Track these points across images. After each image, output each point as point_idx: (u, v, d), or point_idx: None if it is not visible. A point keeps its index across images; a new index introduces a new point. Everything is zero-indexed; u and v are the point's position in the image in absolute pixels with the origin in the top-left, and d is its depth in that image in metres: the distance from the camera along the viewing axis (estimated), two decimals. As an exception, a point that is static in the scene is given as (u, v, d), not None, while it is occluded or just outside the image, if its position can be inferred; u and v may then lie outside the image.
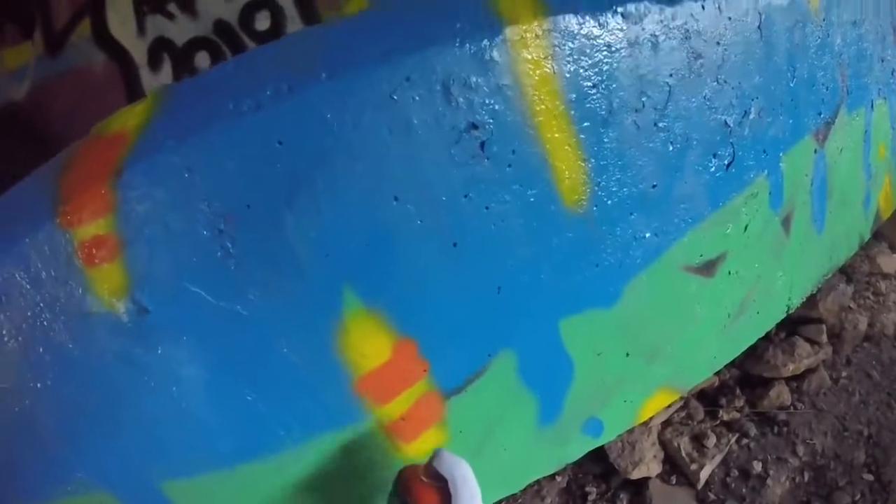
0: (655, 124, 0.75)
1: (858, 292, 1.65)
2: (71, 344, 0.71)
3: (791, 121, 0.97)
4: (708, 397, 1.46)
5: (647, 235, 0.79)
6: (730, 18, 0.82)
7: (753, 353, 1.48)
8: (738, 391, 1.45)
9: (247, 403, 0.73)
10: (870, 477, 1.39)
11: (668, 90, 0.74)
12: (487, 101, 0.65)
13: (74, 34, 1.36)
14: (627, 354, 0.87)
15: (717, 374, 1.47)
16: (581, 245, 0.75)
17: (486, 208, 0.70)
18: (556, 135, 0.68)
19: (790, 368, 1.43)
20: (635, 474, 1.36)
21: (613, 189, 0.74)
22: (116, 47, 1.31)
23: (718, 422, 1.42)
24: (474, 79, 0.63)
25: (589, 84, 0.69)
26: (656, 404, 0.99)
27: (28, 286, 0.69)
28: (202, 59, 1.25)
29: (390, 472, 0.71)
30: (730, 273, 0.93)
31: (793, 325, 1.53)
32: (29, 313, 0.69)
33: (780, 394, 1.44)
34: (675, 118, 0.77)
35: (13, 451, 0.76)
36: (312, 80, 0.60)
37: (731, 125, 0.84)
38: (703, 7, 0.78)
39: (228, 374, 0.71)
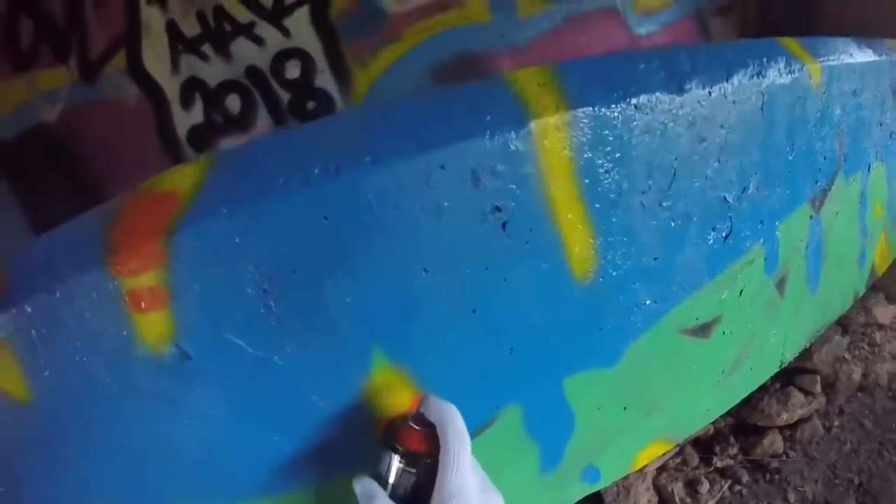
0: (660, 204, 0.85)
1: (854, 343, 1.76)
2: (110, 380, 0.80)
3: (788, 191, 1.07)
4: (703, 444, 1.55)
5: (648, 303, 0.89)
6: (734, 102, 0.93)
7: (748, 402, 1.58)
8: (732, 439, 1.55)
9: (273, 444, 0.82)
10: None
11: (673, 172, 0.84)
12: (510, 187, 0.74)
13: (109, 65, 1.47)
14: (625, 408, 0.96)
15: (713, 422, 1.56)
16: (586, 312, 0.85)
17: (504, 280, 0.80)
18: (570, 216, 0.78)
19: (784, 418, 1.52)
20: None
21: (619, 262, 0.84)
22: (150, 82, 1.42)
23: (712, 468, 1.51)
24: (500, 167, 0.73)
25: (602, 170, 0.79)
26: (651, 453, 1.07)
27: (73, 324, 0.78)
28: (233, 101, 1.36)
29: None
30: (724, 334, 1.03)
31: (788, 376, 1.63)
32: (70, 350, 0.79)
33: (773, 442, 1.53)
34: (678, 198, 0.86)
35: (41, 475, 0.85)
36: (358, 162, 0.70)
37: (731, 201, 0.94)
38: (709, 94, 0.89)
39: (260, 417, 0.80)
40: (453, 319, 0.79)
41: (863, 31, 1.81)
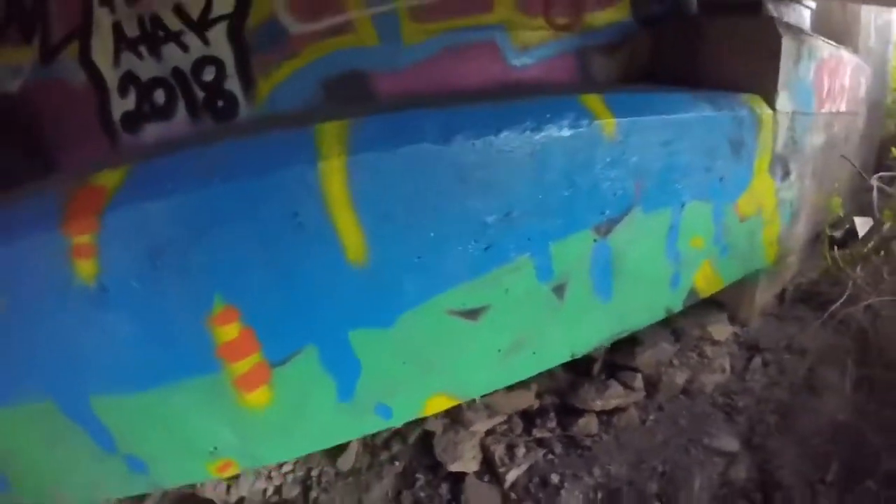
0: (422, 222, 1.34)
1: (683, 352, 2.22)
2: (55, 300, 1.32)
3: (563, 219, 1.54)
4: (528, 416, 2.05)
5: (414, 287, 1.40)
6: (500, 151, 1.38)
7: (573, 386, 2.06)
8: (552, 415, 2.03)
9: (151, 355, 1.34)
10: None
11: (435, 203, 1.32)
12: (309, 203, 1.26)
13: (65, 52, 1.94)
14: (404, 363, 1.48)
15: (539, 398, 2.05)
16: (363, 286, 1.37)
17: (304, 257, 1.31)
18: (346, 223, 1.30)
19: (598, 404, 2.01)
20: (454, 467, 1.96)
21: (386, 257, 1.36)
22: (96, 71, 1.90)
23: (532, 438, 2.01)
24: (299, 189, 1.25)
25: (371, 198, 1.29)
26: (437, 404, 1.58)
27: (38, 262, 1.29)
28: (159, 94, 1.83)
29: (235, 406, 1.35)
30: (493, 321, 1.52)
31: (613, 370, 2.11)
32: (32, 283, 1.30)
33: (588, 423, 2.02)
34: (440, 219, 1.37)
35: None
36: (210, 181, 1.24)
37: (491, 223, 1.41)
38: (473, 145, 1.34)
39: (146, 334, 1.32)
40: (271, 282, 1.35)
41: (732, 76, 2.21)
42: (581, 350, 1.77)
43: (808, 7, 2.64)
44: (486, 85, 1.93)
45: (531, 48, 1.98)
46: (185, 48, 1.78)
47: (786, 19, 2.44)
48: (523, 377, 1.70)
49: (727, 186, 2.03)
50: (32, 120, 2.01)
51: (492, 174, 1.41)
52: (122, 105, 1.88)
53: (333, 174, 1.27)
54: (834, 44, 2.67)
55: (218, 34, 1.79)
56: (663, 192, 1.78)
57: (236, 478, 1.79)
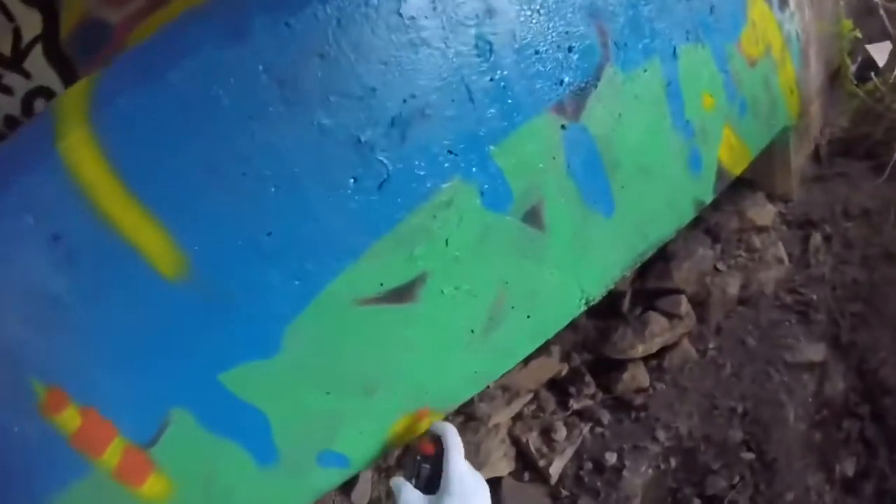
0: (241, 173, 0.58)
1: (727, 252, 1.36)
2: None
3: (499, 106, 0.75)
4: (558, 386, 1.25)
5: (285, 284, 0.63)
6: (337, 22, 0.62)
7: (604, 333, 1.27)
8: (588, 377, 1.24)
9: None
10: (749, 456, 1.15)
11: (262, 142, 0.57)
12: (67, 213, 0.56)
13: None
14: (329, 393, 0.72)
15: (567, 360, 1.27)
16: (201, 309, 0.62)
17: (106, 299, 0.60)
18: (129, 219, 0.56)
19: (639, 349, 1.20)
20: (484, 475, 1.21)
21: (212, 253, 0.60)
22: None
23: (570, 411, 1.22)
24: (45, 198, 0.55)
25: (138, 163, 0.55)
26: (412, 428, 0.84)
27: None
28: None
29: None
30: (443, 292, 0.73)
31: (647, 299, 1.30)
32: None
33: (635, 376, 1.21)
34: (277, 161, 0.59)
35: None
36: None
37: (371, 139, 0.64)
38: (286, 24, 0.59)
39: None
40: (76, 343, 0.63)
41: None
42: (596, 291, 0.92)
43: None
44: None
45: None
46: (8, 91, 1.16)
47: None
48: (524, 353, 0.89)
49: (722, 20, 1.14)
50: None
51: (337, 60, 0.62)
52: None
53: (79, 152, 0.56)
54: None
55: (36, 61, 1.15)
56: (641, 37, 0.90)
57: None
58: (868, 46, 1.87)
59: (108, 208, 0.59)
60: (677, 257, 1.23)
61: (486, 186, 0.75)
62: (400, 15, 0.66)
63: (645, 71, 0.94)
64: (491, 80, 0.73)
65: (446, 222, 0.71)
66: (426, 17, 0.67)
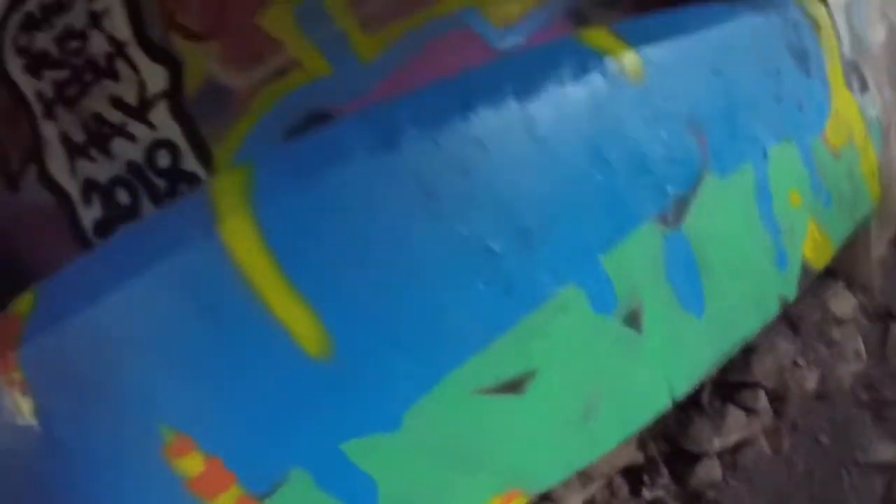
0: (387, 272, 0.68)
1: (808, 344, 1.37)
2: None
3: (607, 218, 0.84)
4: (633, 474, 1.27)
5: (414, 371, 0.72)
6: (478, 139, 0.71)
7: (683, 423, 1.29)
8: (663, 467, 1.26)
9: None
10: None
11: (398, 238, 0.67)
12: (222, 287, 0.66)
13: (26, 175, 1.51)
14: (437, 469, 0.79)
15: (644, 449, 1.29)
16: (337, 386, 0.71)
17: (250, 367, 0.70)
18: (281, 300, 0.66)
19: (716, 444, 1.22)
20: None
21: (356, 336, 0.69)
22: (57, 187, 1.45)
23: (642, 500, 1.25)
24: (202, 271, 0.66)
25: (304, 255, 0.65)
26: None
27: None
28: (122, 194, 1.35)
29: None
30: (548, 386, 0.80)
31: (727, 391, 1.32)
32: None
33: (710, 469, 1.22)
34: (411, 263, 0.70)
35: None
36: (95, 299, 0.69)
37: (500, 249, 0.73)
38: (434, 140, 0.70)
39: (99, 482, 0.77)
40: (216, 400, 0.74)
41: None
42: (683, 388, 0.97)
43: None
44: None
45: (515, 24, 1.33)
46: (132, 139, 1.31)
47: None
48: (612, 445, 0.93)
49: (808, 114, 1.23)
50: (10, 253, 1.60)
51: (476, 175, 0.73)
52: (90, 213, 1.42)
53: (240, 236, 0.67)
54: None
55: (160, 115, 1.31)
56: (736, 140, 0.99)
57: None
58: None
59: (263, 288, 0.69)
60: (758, 351, 1.25)
61: (596, 291, 0.82)
62: (534, 137, 0.75)
63: (738, 175, 1.01)
64: (606, 193, 0.81)
65: (559, 323, 0.78)
66: (556, 138, 0.76)
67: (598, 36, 0.86)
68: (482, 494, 0.86)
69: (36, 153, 1.43)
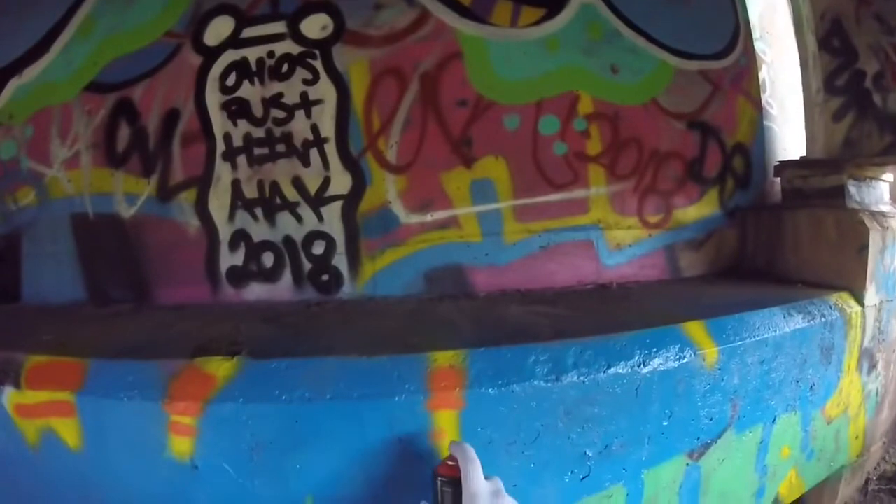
0: (522, 452, 1.40)
1: None
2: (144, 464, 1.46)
3: (658, 448, 1.57)
4: None
5: None
6: (606, 386, 1.49)
7: None
8: None
9: None
10: None
11: (538, 434, 1.41)
12: (413, 431, 1.38)
13: (182, 195, 2.18)
14: None
15: None
16: None
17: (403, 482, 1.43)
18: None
19: None
20: None
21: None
22: (210, 221, 2.12)
23: None
24: (407, 419, 1.37)
25: (479, 427, 1.38)
26: None
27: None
28: (267, 257, 2.04)
29: None
30: None
31: None
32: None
33: None
34: (540, 449, 1.39)
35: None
36: (321, 398, 1.36)
37: (591, 455, 1.47)
38: (583, 382, 1.47)
39: None
40: (365, 496, 1.40)
41: (818, 269, 2.32)
42: None
43: (886, 181, 2.63)
44: (578, 282, 2.06)
45: (624, 247, 2.10)
46: (299, 219, 1.98)
47: (867, 200, 2.49)
48: None
49: (817, 394, 1.95)
50: (137, 249, 2.24)
51: (596, 408, 1.44)
52: (230, 259, 2.08)
53: (445, 406, 1.36)
54: None
55: (332, 212, 1.99)
56: (756, 410, 1.73)
57: None
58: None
59: (439, 437, 1.40)
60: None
61: (633, 491, 1.59)
62: (637, 392, 1.53)
63: (750, 433, 1.82)
64: (664, 434, 1.60)
65: None
66: (647, 395, 1.55)
67: (695, 329, 1.65)
68: None
69: (202, 183, 2.10)
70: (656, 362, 1.55)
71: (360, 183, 2.01)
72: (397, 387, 1.39)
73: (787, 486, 2.03)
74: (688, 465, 1.66)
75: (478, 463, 1.12)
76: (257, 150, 2.04)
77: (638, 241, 2.12)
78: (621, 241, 2.11)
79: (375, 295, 1.96)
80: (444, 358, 1.42)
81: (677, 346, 1.60)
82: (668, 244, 2.17)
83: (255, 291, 2.03)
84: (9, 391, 1.48)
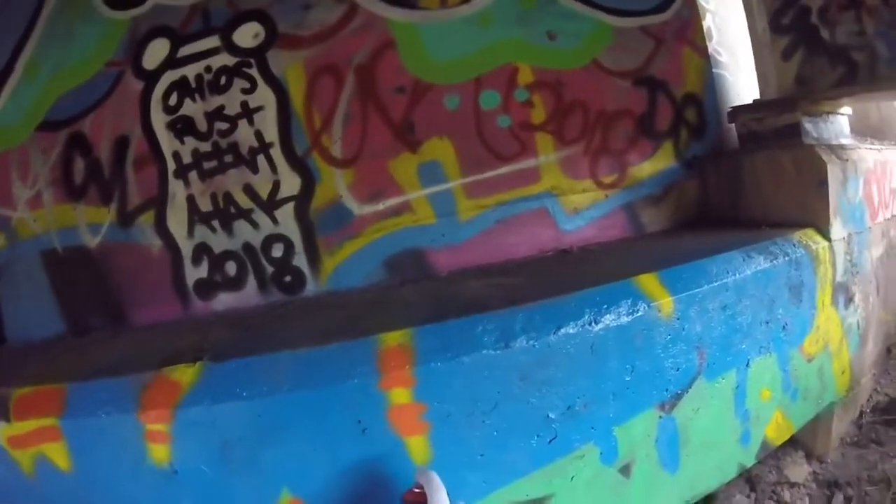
0: (483, 421, 1.37)
1: (760, 501, 2.19)
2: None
3: (625, 404, 1.53)
4: None
5: (477, 483, 1.40)
6: (558, 348, 1.43)
7: None
8: None
9: None
10: None
11: (496, 402, 1.39)
12: (371, 411, 1.37)
13: (142, 217, 2.19)
14: None
15: None
16: None
17: (368, 464, 1.43)
18: (408, 428, 1.38)
19: (672, 564, 2.00)
20: None
21: (449, 456, 1.38)
22: (171, 239, 2.13)
23: None
24: (364, 402, 1.37)
25: (435, 401, 1.36)
26: None
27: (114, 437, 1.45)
28: (230, 266, 2.04)
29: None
30: None
31: None
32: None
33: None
34: (501, 416, 1.37)
35: None
36: (279, 389, 1.35)
37: (554, 417, 1.46)
38: (534, 346, 1.45)
39: None
40: (335, 479, 1.40)
41: (781, 210, 2.26)
42: None
43: (844, 115, 2.62)
44: (539, 251, 2.03)
45: (581, 210, 2.09)
46: (255, 225, 1.99)
47: (825, 136, 2.46)
48: None
49: (791, 332, 1.90)
50: (107, 277, 2.25)
51: (552, 371, 1.41)
52: (195, 273, 2.09)
53: (397, 384, 1.34)
54: (876, 146, 2.62)
55: (285, 214, 2.00)
56: (726, 356, 1.69)
57: None
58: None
59: (397, 416, 1.38)
60: (718, 499, 2.05)
61: (606, 449, 1.56)
62: (593, 350, 1.51)
63: (723, 379, 1.79)
64: (629, 388, 1.57)
65: (577, 467, 1.51)
66: (605, 351, 1.52)
67: (648, 282, 1.62)
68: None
69: (158, 203, 2.11)
70: (608, 319, 1.52)
71: (309, 182, 2.01)
72: (350, 371, 1.38)
73: (775, 428, 2.00)
74: (661, 417, 1.64)
75: (443, 490, 1.14)
76: (206, 164, 2.05)
77: (595, 203, 2.10)
78: (578, 205, 2.10)
79: (339, 288, 1.96)
80: (392, 338, 1.41)
81: (629, 301, 1.57)
82: (626, 203, 2.15)
83: (223, 301, 2.04)
84: (1, 426, 1.53)
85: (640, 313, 1.56)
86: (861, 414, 2.57)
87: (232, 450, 1.41)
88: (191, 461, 1.44)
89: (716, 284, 1.72)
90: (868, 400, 2.60)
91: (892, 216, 2.69)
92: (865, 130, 2.93)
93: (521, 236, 1.98)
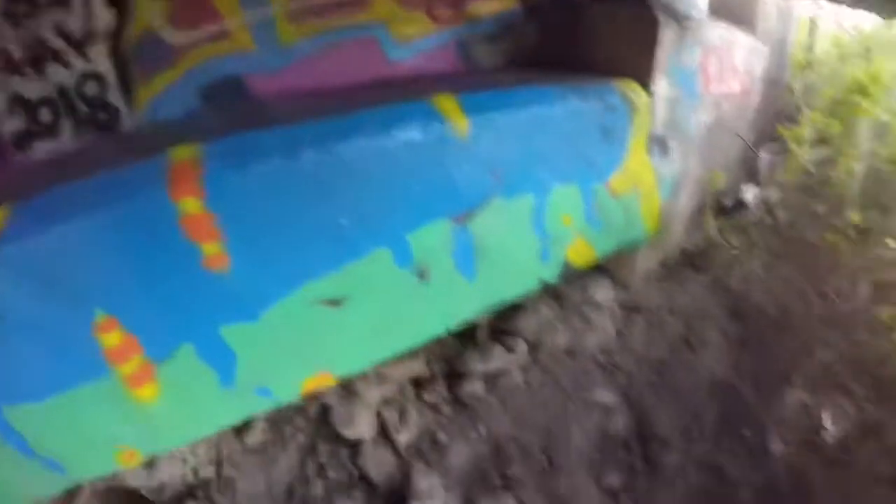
0: (278, 232, 1.48)
1: (566, 316, 2.53)
2: None
3: (417, 213, 1.65)
4: (419, 383, 2.21)
5: (275, 286, 1.52)
6: (346, 160, 1.50)
7: (460, 352, 2.37)
8: (441, 380, 2.30)
9: (51, 366, 1.48)
10: (542, 457, 2.32)
11: (287, 210, 1.50)
12: (167, 225, 1.43)
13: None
14: (277, 350, 1.60)
15: (429, 366, 2.34)
16: (226, 290, 1.49)
17: (170, 269, 1.47)
18: (205, 237, 1.43)
19: (482, 368, 2.31)
20: (351, 434, 2.12)
21: (245, 264, 1.46)
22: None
23: (423, 402, 2.31)
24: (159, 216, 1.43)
25: (227, 212, 1.44)
26: (316, 383, 1.73)
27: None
28: (45, 113, 1.97)
29: (128, 402, 1.54)
30: (357, 306, 1.65)
31: (497, 333, 2.42)
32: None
33: (474, 387, 2.31)
34: (295, 226, 1.49)
35: None
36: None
37: (346, 224, 1.53)
38: (320, 157, 1.51)
39: (44, 349, 1.44)
40: (143, 293, 1.45)
41: (612, 62, 2.42)
42: (453, 324, 1.91)
43: None
44: (365, 80, 2.03)
45: (412, 41, 2.15)
46: (67, 66, 1.90)
47: (675, 5, 2.48)
48: (398, 351, 1.84)
49: (596, 168, 2.13)
50: None
51: (343, 181, 1.50)
52: (11, 125, 1.98)
53: (187, 197, 1.37)
54: (728, 28, 2.77)
55: (99, 50, 1.91)
56: (525, 180, 1.88)
57: (153, 464, 1.95)
58: (742, 187, 3.18)
59: (193, 229, 1.46)
60: (526, 311, 2.34)
61: (399, 253, 1.73)
62: (384, 162, 1.64)
63: (521, 200, 2.00)
64: (420, 199, 1.72)
65: (370, 269, 1.68)
66: (398, 166, 1.66)
67: (446, 102, 1.70)
68: (300, 373, 1.71)
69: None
70: (400, 134, 1.61)
71: (123, 13, 1.92)
72: (143, 185, 1.42)
73: (575, 251, 2.26)
74: (454, 228, 1.81)
75: None
76: (18, 9, 1.89)
77: (427, 35, 2.15)
78: (409, 36, 2.14)
79: (156, 120, 1.95)
80: (182, 152, 1.42)
81: (423, 118, 1.65)
82: (460, 38, 2.21)
83: (41, 149, 1.97)
84: None
85: (433, 131, 1.66)
86: (669, 258, 2.94)
87: (51, 283, 1.42)
88: (14, 302, 1.43)
89: (517, 112, 1.84)
90: (677, 247, 2.96)
91: (728, 93, 2.91)
92: (725, 15, 3.07)
93: (346, 64, 2.01)
